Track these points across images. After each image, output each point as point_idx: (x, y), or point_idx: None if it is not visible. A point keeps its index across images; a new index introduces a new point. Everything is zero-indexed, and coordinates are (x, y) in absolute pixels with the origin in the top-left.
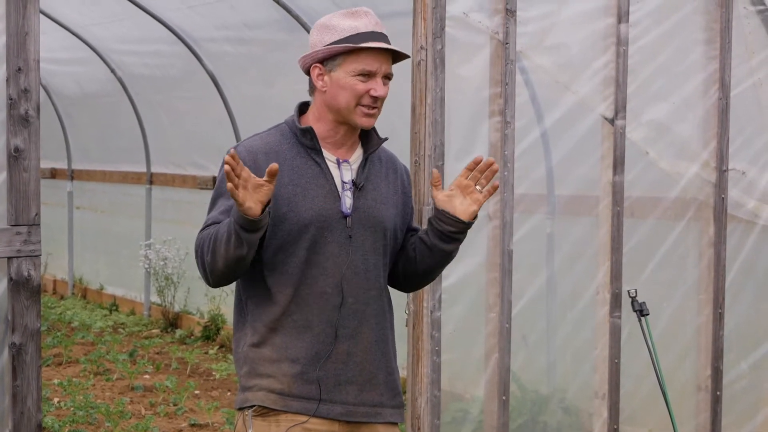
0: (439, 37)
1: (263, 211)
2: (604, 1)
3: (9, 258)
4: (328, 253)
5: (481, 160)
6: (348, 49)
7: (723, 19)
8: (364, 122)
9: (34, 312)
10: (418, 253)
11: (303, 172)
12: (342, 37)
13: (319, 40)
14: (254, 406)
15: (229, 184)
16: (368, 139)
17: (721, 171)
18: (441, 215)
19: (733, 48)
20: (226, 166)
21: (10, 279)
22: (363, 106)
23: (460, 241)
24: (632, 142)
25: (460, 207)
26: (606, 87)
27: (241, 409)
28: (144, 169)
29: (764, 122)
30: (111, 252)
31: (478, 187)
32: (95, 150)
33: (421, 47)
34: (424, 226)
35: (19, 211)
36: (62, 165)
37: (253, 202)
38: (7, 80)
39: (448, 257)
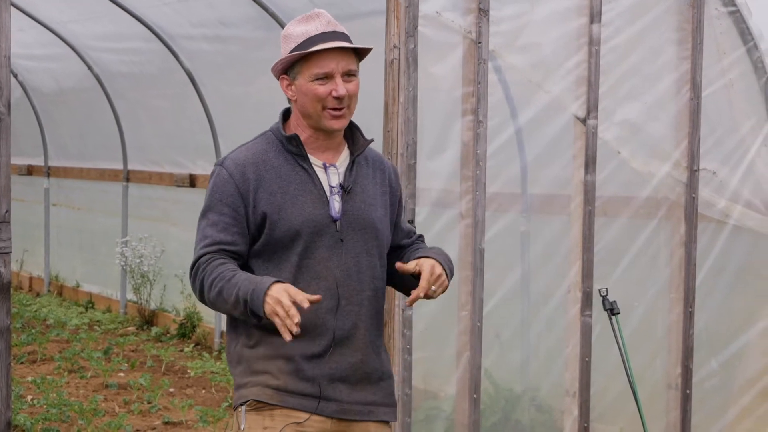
0: (412, 36)
1: None
2: (576, 1)
3: None
4: (319, 258)
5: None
6: (298, 57)
7: (695, 20)
8: (334, 125)
9: (3, 309)
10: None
11: (291, 179)
12: (296, 45)
13: (283, 50)
14: (249, 400)
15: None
16: (354, 140)
17: (692, 171)
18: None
19: (705, 48)
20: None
21: None
22: (329, 109)
23: None
24: (604, 142)
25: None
26: (578, 86)
27: (236, 408)
28: (121, 167)
29: (735, 123)
30: (87, 249)
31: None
32: (72, 147)
33: (394, 46)
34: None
35: None
36: (39, 162)
37: None
38: None
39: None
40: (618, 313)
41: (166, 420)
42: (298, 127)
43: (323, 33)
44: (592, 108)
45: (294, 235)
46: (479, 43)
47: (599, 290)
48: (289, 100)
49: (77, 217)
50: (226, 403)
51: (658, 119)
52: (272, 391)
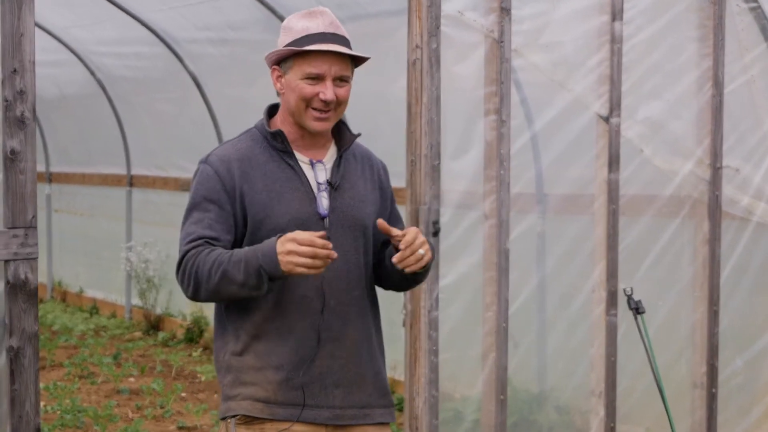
0: (435, 36)
1: None
2: None
3: (6, 261)
4: None
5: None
6: (292, 52)
7: (716, 17)
8: (316, 126)
9: (31, 315)
10: (390, 268)
11: (277, 177)
12: (294, 39)
13: (281, 40)
14: (238, 415)
15: (309, 261)
16: (341, 136)
17: (715, 168)
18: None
19: (726, 45)
20: (322, 251)
21: (7, 282)
22: (314, 109)
23: (422, 274)
24: (627, 140)
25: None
26: (600, 85)
27: (224, 418)
28: (124, 172)
29: (757, 119)
30: (91, 255)
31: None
32: (74, 152)
33: (417, 46)
34: (421, 225)
35: (15, 214)
36: (40, 168)
37: None
38: (2, 82)
39: (414, 283)
40: (643, 312)
41: (181, 425)
42: (284, 123)
43: (323, 33)
44: (614, 106)
45: (280, 234)
46: (501, 42)
47: (624, 289)
48: (278, 93)
49: (80, 223)
50: None
51: (681, 117)
52: (262, 404)
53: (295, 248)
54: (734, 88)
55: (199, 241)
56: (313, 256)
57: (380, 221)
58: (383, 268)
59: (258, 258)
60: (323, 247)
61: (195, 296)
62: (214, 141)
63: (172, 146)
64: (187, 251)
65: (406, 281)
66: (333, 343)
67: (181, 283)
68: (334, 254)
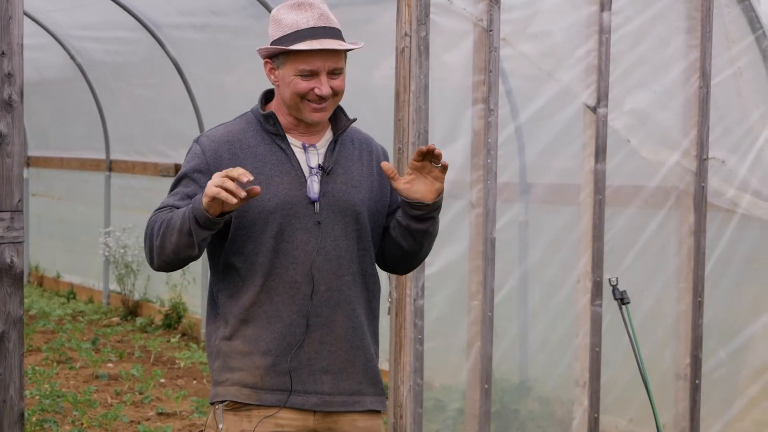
0: (424, 24)
1: (222, 215)
2: None
3: None
4: (296, 241)
5: (426, 150)
6: (282, 51)
7: (704, 8)
8: (314, 117)
9: (17, 299)
10: (398, 234)
11: (267, 160)
12: (283, 35)
13: (271, 33)
14: (226, 400)
15: (221, 180)
16: (337, 120)
17: (701, 159)
18: (408, 203)
19: (714, 37)
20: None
21: None
22: (310, 101)
23: (434, 218)
24: (614, 131)
25: (424, 188)
26: (588, 75)
27: (212, 404)
28: (103, 156)
29: (744, 111)
30: (68, 239)
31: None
32: (53, 137)
33: (405, 34)
34: None
35: (2, 197)
36: None
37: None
38: None
39: (427, 235)
40: (628, 303)
41: (160, 411)
42: (279, 110)
43: (313, 28)
44: (602, 96)
45: (268, 217)
46: (490, 31)
47: (609, 279)
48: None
49: (58, 208)
50: None
51: (668, 108)
52: (249, 390)
53: (212, 178)
54: (721, 79)
55: (166, 208)
56: (225, 176)
57: (384, 163)
58: (390, 241)
59: (191, 205)
60: (240, 174)
61: (150, 258)
62: (194, 127)
63: (152, 131)
64: (150, 218)
65: (410, 239)
66: (322, 329)
67: (144, 249)
68: (257, 188)
